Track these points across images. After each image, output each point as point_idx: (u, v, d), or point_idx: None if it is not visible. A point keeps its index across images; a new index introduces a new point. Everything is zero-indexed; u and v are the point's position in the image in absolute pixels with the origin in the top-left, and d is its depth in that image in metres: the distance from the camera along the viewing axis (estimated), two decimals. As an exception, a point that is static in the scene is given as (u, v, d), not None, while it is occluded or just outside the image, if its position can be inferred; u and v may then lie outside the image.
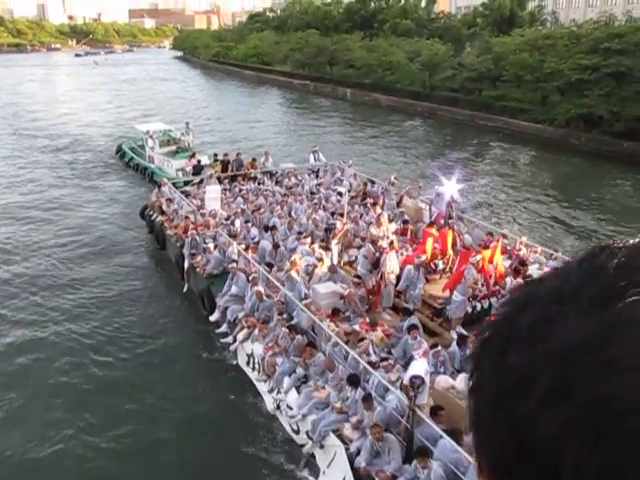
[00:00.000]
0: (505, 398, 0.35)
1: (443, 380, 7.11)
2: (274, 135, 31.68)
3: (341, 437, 7.00)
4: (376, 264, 9.61)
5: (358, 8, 62.46)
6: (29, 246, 15.31)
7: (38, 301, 12.16)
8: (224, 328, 9.94)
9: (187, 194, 15.07)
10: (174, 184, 15.74)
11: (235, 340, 9.45)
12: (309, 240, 11.09)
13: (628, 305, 0.33)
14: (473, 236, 11.32)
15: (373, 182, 15.51)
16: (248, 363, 9.14)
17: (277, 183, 15.84)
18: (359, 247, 11.26)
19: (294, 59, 56.88)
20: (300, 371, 8.01)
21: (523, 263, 9.13)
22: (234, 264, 10.26)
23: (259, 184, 15.76)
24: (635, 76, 25.94)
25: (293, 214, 13.00)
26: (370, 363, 7.49)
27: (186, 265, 11.81)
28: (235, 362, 9.52)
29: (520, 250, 9.98)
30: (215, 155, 19.66)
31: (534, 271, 9.08)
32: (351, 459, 6.56)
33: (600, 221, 17.30)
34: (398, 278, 9.50)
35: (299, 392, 7.81)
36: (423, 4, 61.51)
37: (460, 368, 7.49)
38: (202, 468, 7.61)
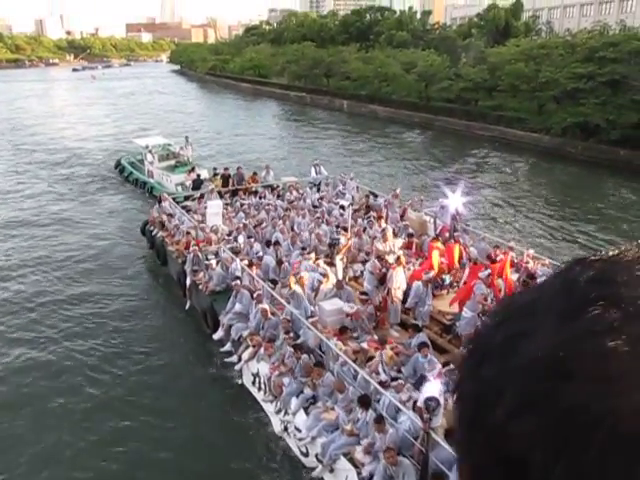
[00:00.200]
0: (480, 409, 0.37)
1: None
2: (272, 148, 31.72)
3: (352, 461, 6.80)
4: (382, 280, 9.47)
5: (354, 20, 63.23)
6: (27, 262, 15.12)
7: (36, 318, 11.96)
8: (228, 347, 9.74)
9: (188, 209, 14.95)
10: (174, 199, 15.63)
11: (240, 359, 9.25)
12: (313, 255, 10.96)
13: (593, 317, 0.34)
14: (479, 249, 11.21)
15: (375, 195, 15.44)
16: (254, 383, 8.94)
17: (279, 197, 15.74)
18: (363, 262, 11.12)
19: (290, 71, 57.33)
20: (308, 392, 7.82)
21: (532, 276, 9.01)
22: (238, 281, 10.10)
23: (260, 198, 15.65)
24: (630, 84, 26.17)
25: (296, 229, 12.88)
26: (380, 383, 7.31)
27: (188, 282, 11.64)
28: (240, 382, 9.32)
29: (528, 263, 9.87)
30: (215, 169, 19.59)
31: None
32: (363, 484, 6.36)
33: (599, 230, 17.26)
34: (405, 294, 9.36)
35: (307, 413, 7.61)
36: (418, 16, 62.29)
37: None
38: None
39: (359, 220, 12.89)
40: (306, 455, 7.51)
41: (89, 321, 11.87)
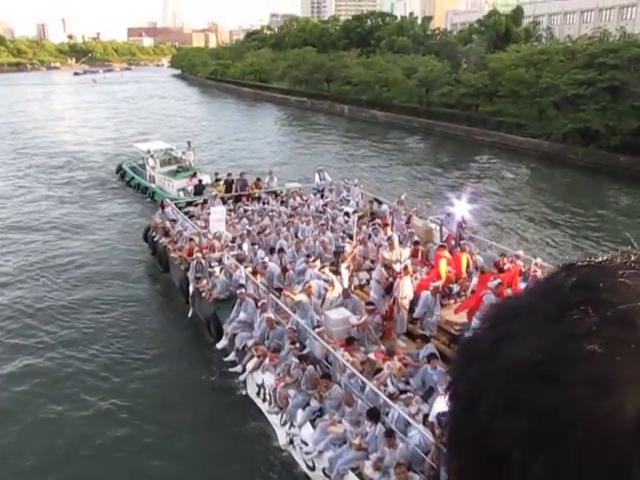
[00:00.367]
0: (466, 408, 0.39)
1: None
2: (273, 153, 31.68)
3: (361, 476, 6.64)
4: (389, 289, 9.34)
5: (355, 25, 63.45)
6: (27, 267, 14.98)
7: (35, 324, 11.82)
8: (232, 356, 9.59)
9: (191, 215, 14.83)
10: (176, 204, 15.51)
11: (244, 369, 9.10)
12: (318, 263, 10.82)
13: (573, 321, 0.36)
14: (485, 257, 11.09)
15: (380, 202, 15.31)
16: (258, 394, 8.78)
17: (282, 203, 15.62)
18: (369, 270, 10.99)
19: (291, 76, 57.41)
20: (314, 404, 7.67)
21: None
22: (242, 289, 9.96)
23: (264, 204, 15.53)
24: (630, 90, 26.20)
25: (300, 235, 12.75)
26: (388, 395, 7.17)
27: (191, 289, 11.50)
28: (244, 392, 9.16)
29: (536, 272, 9.75)
30: (216, 174, 19.49)
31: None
32: (373, 501, 6.21)
33: (603, 237, 17.16)
34: (411, 303, 9.23)
35: (314, 426, 7.46)
36: (419, 21, 62.51)
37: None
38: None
39: (364, 227, 12.76)
40: (312, 469, 7.35)
41: (89, 328, 11.72)
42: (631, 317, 0.35)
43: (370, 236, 12.23)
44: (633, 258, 0.41)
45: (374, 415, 6.79)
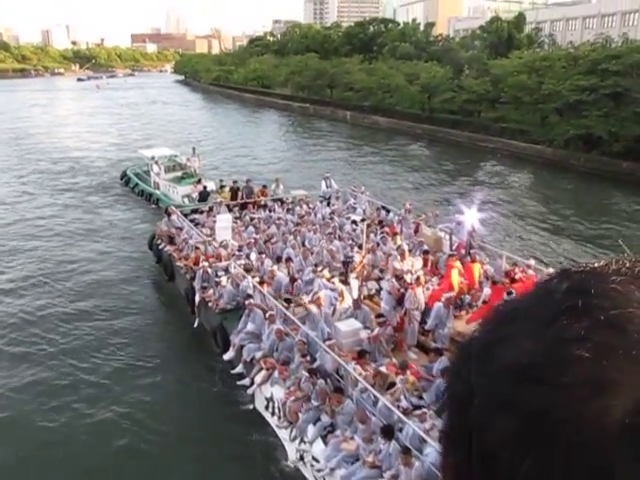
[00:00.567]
0: (461, 409, 0.40)
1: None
2: (276, 159, 31.61)
3: (375, 495, 6.45)
4: (400, 300, 9.17)
5: (357, 32, 63.62)
6: (29, 275, 14.84)
7: (37, 332, 11.67)
8: (240, 369, 9.39)
9: (196, 223, 14.69)
10: (181, 212, 15.38)
11: (252, 382, 8.91)
12: (327, 273, 10.66)
13: (563, 326, 0.36)
14: (495, 267, 10.92)
15: (387, 210, 15.14)
16: (267, 408, 8.59)
17: (288, 211, 15.46)
18: (377, 279, 10.83)
19: (294, 82, 57.55)
20: (326, 419, 7.48)
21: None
22: (250, 299, 9.79)
23: (270, 212, 15.37)
24: (633, 97, 26.15)
25: (307, 244, 12.59)
26: (402, 410, 6.98)
27: (197, 299, 11.34)
28: (252, 406, 8.97)
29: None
30: (221, 181, 19.38)
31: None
32: (388, 522, 6.01)
33: (604, 244, 16.98)
34: (422, 314, 9.06)
35: (325, 442, 7.27)
36: (422, 28, 62.69)
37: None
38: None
39: (372, 236, 12.59)
40: (324, 487, 7.15)
41: (92, 336, 11.57)
42: (621, 322, 0.36)
43: (379, 245, 12.07)
44: (628, 264, 0.41)
45: (388, 432, 6.60)
